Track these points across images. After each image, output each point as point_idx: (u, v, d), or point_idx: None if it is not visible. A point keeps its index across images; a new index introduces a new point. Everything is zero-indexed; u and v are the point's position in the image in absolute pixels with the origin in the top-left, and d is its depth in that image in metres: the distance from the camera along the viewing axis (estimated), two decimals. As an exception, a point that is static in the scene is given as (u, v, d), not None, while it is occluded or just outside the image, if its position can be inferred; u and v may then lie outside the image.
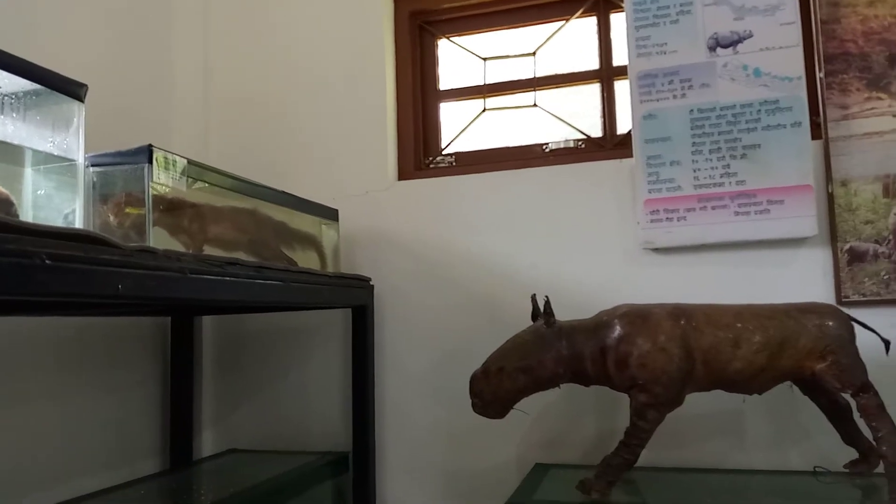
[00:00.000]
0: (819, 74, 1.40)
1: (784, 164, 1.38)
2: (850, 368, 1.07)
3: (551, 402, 1.48)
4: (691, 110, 1.44)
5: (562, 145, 1.68)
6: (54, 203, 0.92)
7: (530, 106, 1.74)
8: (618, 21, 1.67)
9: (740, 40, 1.42)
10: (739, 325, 1.10)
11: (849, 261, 1.35)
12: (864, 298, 1.34)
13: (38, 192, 0.91)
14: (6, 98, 0.87)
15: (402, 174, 1.74)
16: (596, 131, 1.67)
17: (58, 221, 0.92)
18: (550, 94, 1.73)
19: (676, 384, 1.09)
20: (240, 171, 1.28)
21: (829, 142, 1.38)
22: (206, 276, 0.95)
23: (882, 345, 1.12)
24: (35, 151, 0.90)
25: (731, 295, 1.24)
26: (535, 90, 1.73)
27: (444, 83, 1.81)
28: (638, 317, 1.12)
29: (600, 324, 1.15)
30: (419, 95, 1.79)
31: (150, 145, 1.00)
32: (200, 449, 1.73)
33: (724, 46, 1.43)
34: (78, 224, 0.94)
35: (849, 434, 1.18)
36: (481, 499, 1.53)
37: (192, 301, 0.95)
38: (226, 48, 1.86)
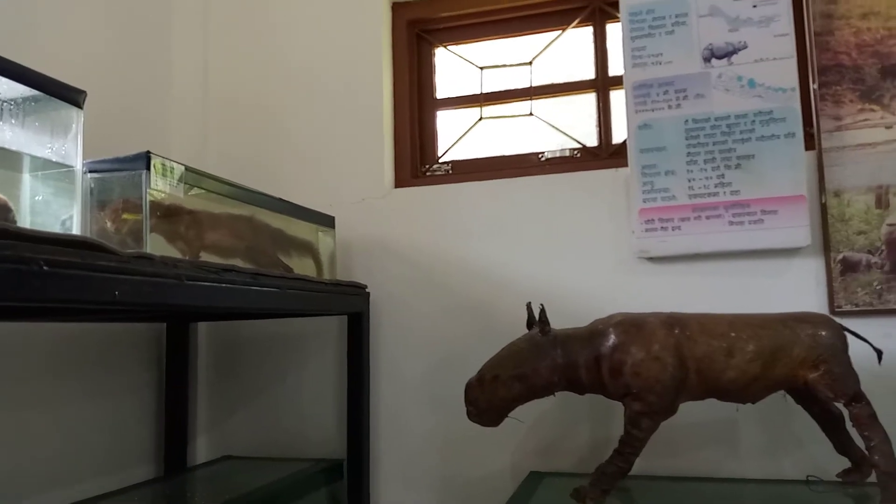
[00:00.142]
0: (813, 86, 1.42)
1: (778, 175, 1.39)
2: (842, 378, 1.08)
3: (546, 410, 1.48)
4: (686, 120, 1.45)
5: (557, 154, 1.69)
6: (52, 209, 0.93)
7: (526, 115, 1.75)
8: (614, 31, 1.68)
9: (735, 51, 1.44)
10: (733, 334, 1.10)
11: (842, 271, 1.36)
12: (857, 308, 1.35)
13: (36, 198, 0.91)
14: (5, 104, 0.87)
15: (399, 182, 1.75)
16: (591, 140, 1.68)
17: (55, 227, 0.93)
18: (546, 104, 1.74)
19: (670, 393, 1.09)
20: (237, 177, 1.29)
21: (822, 153, 1.39)
22: (202, 283, 0.95)
23: (875, 354, 1.13)
24: (33, 157, 0.91)
25: (724, 304, 1.25)
26: (531, 99, 1.74)
27: (441, 92, 1.82)
28: (632, 325, 1.13)
29: (595, 332, 1.15)
30: (416, 103, 1.80)
31: (148, 152, 1.01)
32: (195, 455, 1.73)
33: (719, 57, 1.44)
34: (75, 230, 0.94)
35: (841, 443, 1.19)
36: (476, 507, 1.53)
37: (189, 307, 0.95)
38: (224, 54, 1.86)
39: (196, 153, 1.81)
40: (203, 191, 1.17)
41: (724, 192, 1.41)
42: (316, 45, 1.79)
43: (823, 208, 1.39)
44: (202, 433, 1.76)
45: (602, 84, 1.68)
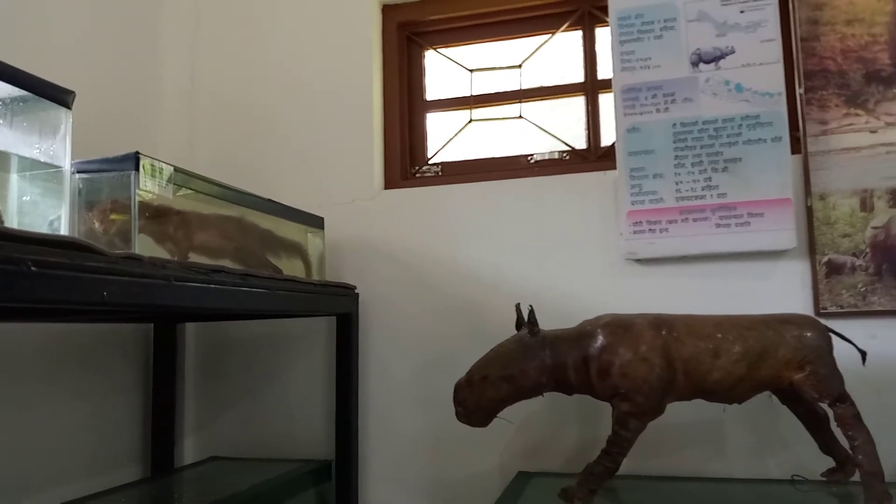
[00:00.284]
0: (799, 90, 1.43)
1: (764, 178, 1.40)
2: (827, 378, 1.09)
3: (534, 410, 1.49)
4: (674, 124, 1.46)
5: (547, 157, 1.70)
6: (40, 209, 0.92)
7: (516, 117, 1.75)
8: (603, 35, 1.69)
9: (722, 56, 1.45)
10: (719, 335, 1.11)
11: (827, 273, 1.38)
12: (842, 310, 1.36)
13: (24, 199, 0.91)
14: (-7, 104, 0.87)
15: (389, 183, 1.75)
16: (580, 143, 1.69)
17: (43, 228, 0.92)
18: (536, 106, 1.75)
19: (657, 393, 1.10)
20: (226, 178, 1.28)
21: (808, 156, 1.41)
22: (191, 284, 0.95)
23: (859, 356, 1.14)
24: (21, 158, 0.90)
25: (711, 306, 1.26)
26: (520, 102, 1.75)
27: (431, 94, 1.82)
28: (620, 327, 1.13)
29: (583, 333, 1.16)
30: (406, 105, 1.80)
31: (137, 152, 1.01)
32: (182, 456, 1.72)
33: (707, 62, 1.46)
34: (63, 231, 0.94)
35: (826, 443, 1.20)
36: (464, 507, 1.54)
37: (178, 308, 0.95)
38: (214, 55, 1.86)
39: (185, 154, 1.80)
40: (192, 191, 1.17)
41: (712, 195, 1.42)
42: (306, 47, 1.79)
43: (809, 211, 1.40)
44: (190, 434, 1.75)
45: (591, 87, 1.69)
